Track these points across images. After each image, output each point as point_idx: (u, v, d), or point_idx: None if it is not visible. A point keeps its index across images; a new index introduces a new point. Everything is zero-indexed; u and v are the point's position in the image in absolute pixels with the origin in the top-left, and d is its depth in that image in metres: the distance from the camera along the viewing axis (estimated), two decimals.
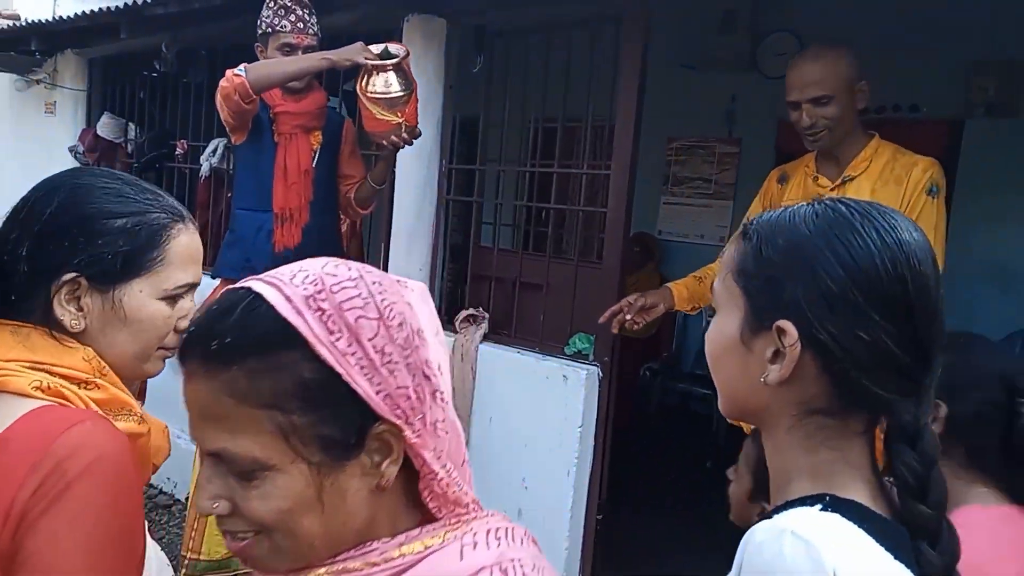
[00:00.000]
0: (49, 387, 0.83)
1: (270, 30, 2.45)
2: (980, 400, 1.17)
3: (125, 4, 3.92)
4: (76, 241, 0.89)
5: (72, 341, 0.88)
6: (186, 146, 4.48)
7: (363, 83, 2.31)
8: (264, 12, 2.48)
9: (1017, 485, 1.17)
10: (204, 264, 3.55)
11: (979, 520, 1.12)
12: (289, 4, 2.44)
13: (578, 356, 2.77)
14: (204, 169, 4.18)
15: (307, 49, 2.44)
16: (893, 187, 1.96)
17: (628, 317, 2.21)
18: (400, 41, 3.17)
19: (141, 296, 0.92)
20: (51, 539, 0.75)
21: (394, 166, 2.90)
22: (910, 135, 3.94)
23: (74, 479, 0.77)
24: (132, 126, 4.95)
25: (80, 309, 0.89)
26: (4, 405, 0.82)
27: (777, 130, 4.45)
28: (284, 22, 2.43)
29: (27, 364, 0.84)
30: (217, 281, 2.60)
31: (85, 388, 0.86)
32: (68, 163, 5.14)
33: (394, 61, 2.29)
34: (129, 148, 4.94)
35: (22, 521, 0.75)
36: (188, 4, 3.55)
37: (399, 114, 2.33)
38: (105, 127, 4.93)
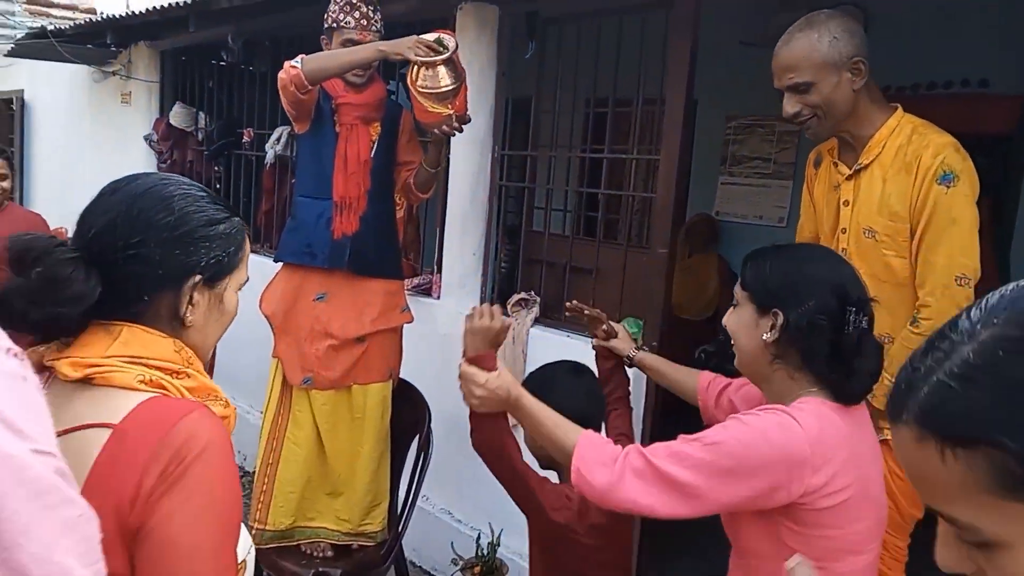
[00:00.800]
0: (151, 380, 0.94)
1: (335, 25, 2.52)
2: (813, 308, 1.28)
3: None
4: (200, 246, 1.02)
5: (160, 333, 0.99)
6: (252, 134, 4.65)
7: (413, 76, 2.36)
8: (331, 7, 2.55)
9: (841, 387, 1.29)
10: (268, 248, 3.69)
11: (815, 405, 1.27)
12: (355, 1, 2.51)
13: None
14: (269, 156, 4.33)
15: None
16: (904, 176, 1.74)
17: None
18: (453, 29, 3.22)
19: (230, 290, 1.08)
20: (170, 515, 0.87)
21: (447, 149, 2.95)
22: (978, 110, 3.81)
23: (191, 463, 0.89)
24: (202, 115, 5.14)
25: (192, 304, 1.02)
26: (113, 398, 0.92)
27: None
28: (348, 18, 2.49)
29: (125, 359, 0.94)
30: (279, 265, 2.71)
31: (178, 378, 0.97)
32: (143, 151, 5.39)
33: (443, 57, 2.32)
34: (199, 136, 5.14)
35: (147, 501, 0.87)
36: None
37: (449, 106, 2.37)
38: (177, 116, 5.14)
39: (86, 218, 1.00)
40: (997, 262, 3.57)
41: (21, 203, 7.60)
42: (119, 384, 0.93)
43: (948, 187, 1.69)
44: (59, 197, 6.84)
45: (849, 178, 1.86)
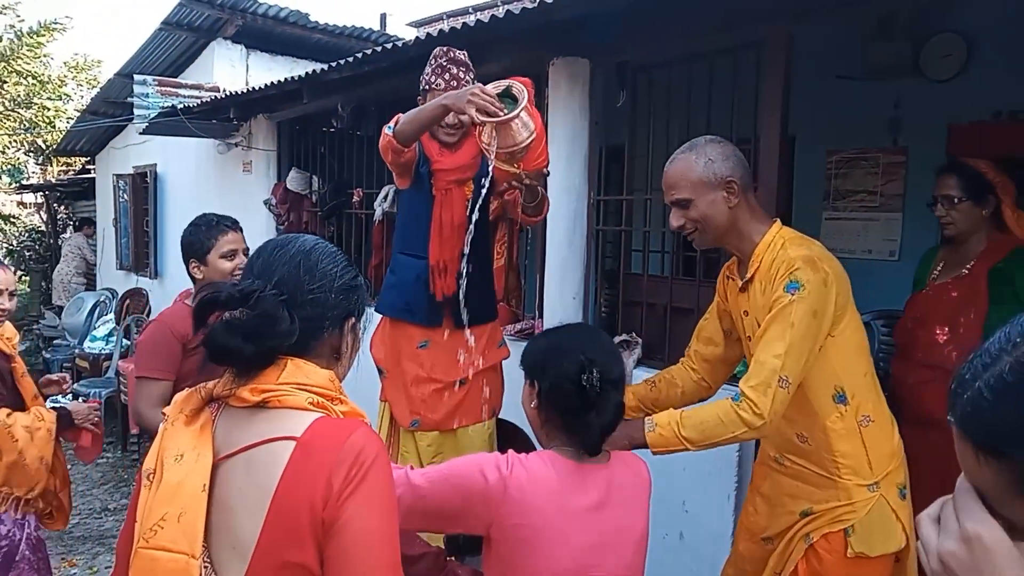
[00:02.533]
0: (317, 403, 1.10)
1: (427, 87, 2.62)
2: (556, 375, 1.51)
3: (307, 72, 4.40)
4: (353, 293, 1.20)
5: (316, 366, 1.14)
6: (361, 194, 4.92)
7: (478, 132, 2.23)
8: (426, 69, 2.65)
9: (582, 440, 1.50)
10: (371, 298, 3.72)
11: (543, 458, 1.49)
12: (445, 64, 2.60)
13: (734, 380, 2.77)
14: (377, 214, 4.57)
15: None
16: (769, 284, 1.87)
17: None
18: (545, 84, 3.33)
19: (361, 328, 1.25)
20: (359, 511, 1.03)
21: (544, 186, 2.86)
22: None
23: (369, 467, 1.05)
24: (315, 178, 5.49)
25: (348, 342, 1.21)
26: (290, 417, 1.08)
27: (948, 135, 4.19)
28: (439, 80, 2.58)
29: (294, 385, 1.10)
30: (378, 316, 2.82)
31: (335, 403, 1.12)
32: (264, 215, 5.78)
33: (507, 117, 2.09)
34: (313, 199, 5.47)
35: (337, 500, 1.03)
36: (360, 68, 3.95)
37: (517, 165, 2.25)
38: (293, 181, 5.50)
39: (268, 269, 1.15)
40: None
41: (156, 268, 8.27)
42: (292, 405, 1.09)
43: (793, 295, 1.80)
44: None
45: (742, 290, 1.97)
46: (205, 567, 1.04)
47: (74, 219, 12.56)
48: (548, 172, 2.43)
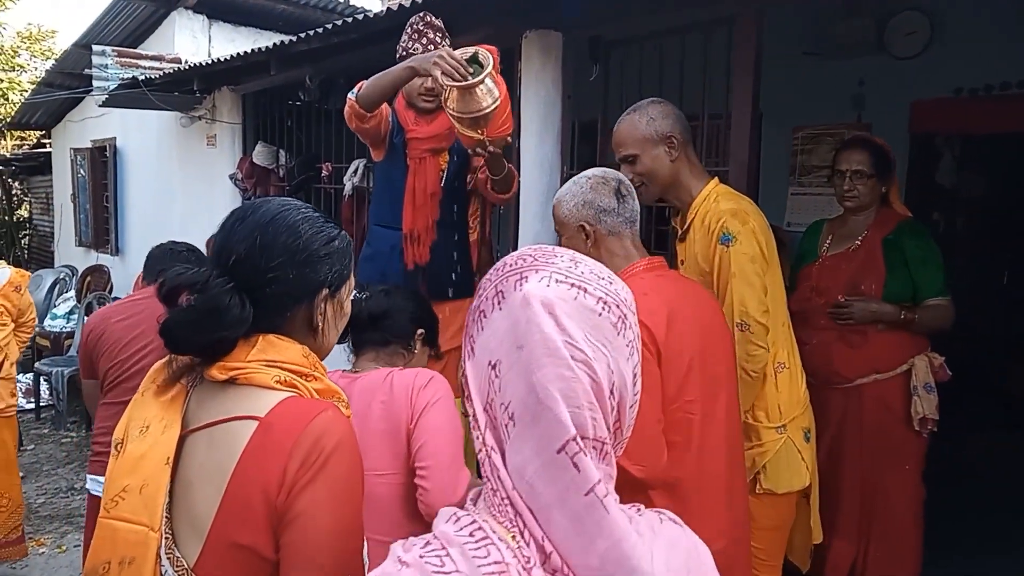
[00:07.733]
0: (286, 380, 1.05)
1: (405, 53, 2.63)
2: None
3: (274, 44, 4.32)
4: (324, 263, 1.11)
5: (290, 341, 1.10)
6: (330, 168, 4.87)
7: (445, 95, 2.25)
8: (403, 37, 2.67)
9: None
10: None
11: None
12: (422, 28, 2.62)
13: None
14: (347, 188, 4.53)
15: None
16: (704, 238, 2.01)
17: None
18: (519, 57, 3.33)
19: (345, 297, 1.18)
20: (313, 503, 0.98)
21: (510, 158, 2.84)
22: None
23: (329, 454, 1.00)
24: (283, 152, 5.41)
25: (322, 315, 1.13)
26: (256, 396, 1.04)
27: (911, 112, 4.28)
28: (416, 45, 2.61)
29: (264, 363, 1.06)
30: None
31: (308, 380, 1.08)
32: (229, 190, 5.69)
33: (473, 82, 2.14)
34: (281, 173, 5.40)
35: (293, 487, 0.98)
36: (328, 39, 3.89)
37: (480, 132, 2.27)
38: (259, 155, 5.42)
39: (224, 247, 1.09)
40: None
41: (116, 244, 8.11)
42: (259, 383, 1.04)
43: (728, 246, 1.96)
44: (153, 236, 7.25)
45: (681, 240, 2.13)
46: (167, 539, 1.02)
47: (28, 195, 12.22)
48: (510, 141, 2.45)
